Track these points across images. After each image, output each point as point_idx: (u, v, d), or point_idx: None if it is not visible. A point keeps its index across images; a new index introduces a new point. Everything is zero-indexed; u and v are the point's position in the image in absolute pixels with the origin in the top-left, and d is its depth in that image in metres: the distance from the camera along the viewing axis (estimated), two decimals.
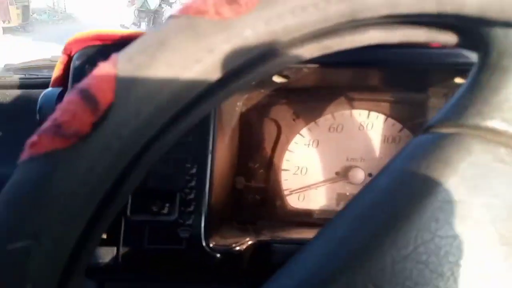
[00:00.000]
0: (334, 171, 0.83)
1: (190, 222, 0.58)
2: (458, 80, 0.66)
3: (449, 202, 0.26)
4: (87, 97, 0.24)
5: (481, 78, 0.28)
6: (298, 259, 0.28)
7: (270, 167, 0.83)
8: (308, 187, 0.83)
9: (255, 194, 0.83)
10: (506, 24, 0.27)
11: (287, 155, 0.83)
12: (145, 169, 0.29)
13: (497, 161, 0.26)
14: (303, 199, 0.84)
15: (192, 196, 0.58)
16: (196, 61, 0.25)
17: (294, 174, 0.84)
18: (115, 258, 0.57)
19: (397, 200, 0.27)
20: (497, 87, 0.27)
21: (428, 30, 0.30)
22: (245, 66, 0.27)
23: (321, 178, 0.83)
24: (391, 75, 0.69)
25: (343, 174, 0.83)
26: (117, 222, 0.58)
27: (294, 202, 0.84)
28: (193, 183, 0.58)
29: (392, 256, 0.25)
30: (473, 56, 0.61)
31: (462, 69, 0.62)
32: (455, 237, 0.25)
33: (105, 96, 0.24)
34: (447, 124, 0.29)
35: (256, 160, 0.83)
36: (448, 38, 0.31)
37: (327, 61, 0.62)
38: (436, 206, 0.26)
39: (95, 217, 0.25)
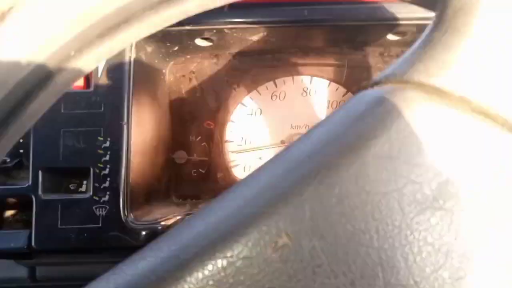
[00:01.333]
0: (279, 139, 0.80)
1: (106, 199, 0.54)
2: (391, 36, 0.63)
3: (381, 158, 0.24)
4: None
5: (434, 36, 0.27)
6: (215, 203, 0.26)
7: (212, 139, 0.80)
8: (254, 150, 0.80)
9: (198, 167, 0.80)
10: None
11: (230, 126, 0.80)
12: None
13: (438, 122, 0.25)
14: (249, 169, 0.81)
15: (106, 171, 0.54)
16: None
17: (238, 145, 0.81)
18: (28, 241, 0.54)
19: (325, 151, 0.25)
20: (448, 45, 0.26)
21: None
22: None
23: (267, 147, 0.80)
24: (321, 34, 0.65)
25: (289, 142, 0.80)
26: (28, 202, 0.55)
27: (240, 173, 0.81)
28: (107, 157, 0.54)
29: (312, 206, 0.23)
30: (402, 11, 0.58)
31: (393, 24, 0.58)
32: (384, 194, 0.23)
33: None
34: (392, 80, 0.27)
35: (196, 132, 0.79)
36: None
37: (249, 21, 0.58)
38: (366, 160, 0.24)
39: None
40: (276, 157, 0.27)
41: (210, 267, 0.23)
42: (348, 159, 0.24)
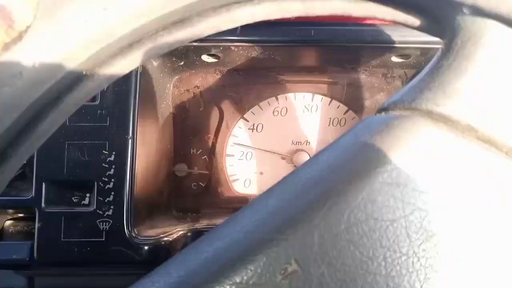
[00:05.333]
0: (280, 156, 0.80)
1: (109, 213, 0.54)
2: (394, 58, 0.64)
3: (389, 185, 0.24)
4: (2, 14, 0.22)
5: (443, 63, 0.27)
6: (222, 227, 0.26)
7: (213, 153, 0.80)
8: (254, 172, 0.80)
9: (198, 181, 0.80)
10: (475, 11, 0.25)
11: (231, 140, 0.80)
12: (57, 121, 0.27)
13: (445, 150, 0.25)
14: (249, 184, 0.82)
15: (110, 185, 0.54)
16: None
17: (239, 159, 0.81)
18: (30, 253, 0.54)
19: (334, 177, 0.25)
20: (456, 74, 0.26)
21: (394, 9, 0.29)
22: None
23: (267, 163, 0.80)
24: (326, 54, 0.66)
25: (289, 158, 0.80)
26: (31, 214, 0.54)
27: (240, 188, 0.81)
28: (111, 171, 0.54)
29: (321, 233, 0.23)
30: (407, 34, 0.59)
31: (397, 47, 0.59)
32: (392, 221, 0.23)
33: (22, 16, 0.22)
34: (400, 106, 0.27)
35: (198, 146, 0.79)
36: (414, 20, 0.29)
37: (256, 40, 0.59)
38: (374, 187, 0.24)
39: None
40: (284, 181, 0.27)
41: None
42: (357, 186, 0.24)
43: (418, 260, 0.23)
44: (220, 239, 0.25)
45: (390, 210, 0.24)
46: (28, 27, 0.23)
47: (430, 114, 0.26)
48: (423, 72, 0.28)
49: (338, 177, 0.25)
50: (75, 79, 0.27)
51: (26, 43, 0.23)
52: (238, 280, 0.23)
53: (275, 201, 0.26)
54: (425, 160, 0.25)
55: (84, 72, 0.27)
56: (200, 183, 0.80)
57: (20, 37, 0.22)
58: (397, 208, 0.24)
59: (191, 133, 0.78)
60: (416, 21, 0.30)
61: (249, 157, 0.81)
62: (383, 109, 0.28)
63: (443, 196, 0.24)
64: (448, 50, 0.27)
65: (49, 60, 0.24)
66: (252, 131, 0.80)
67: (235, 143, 0.79)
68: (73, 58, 0.26)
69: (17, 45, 0.22)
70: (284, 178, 0.28)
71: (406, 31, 0.59)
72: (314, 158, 0.28)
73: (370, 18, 0.58)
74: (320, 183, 0.25)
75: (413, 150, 0.25)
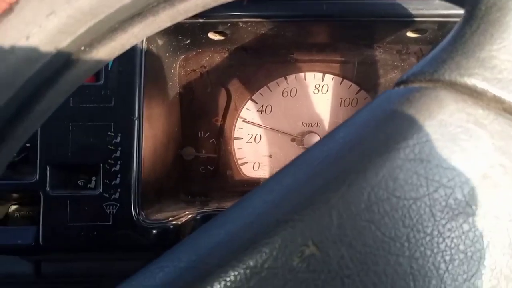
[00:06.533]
0: (289, 138, 0.79)
1: (116, 196, 0.53)
2: (410, 34, 0.61)
3: (412, 161, 0.23)
4: None
5: (465, 31, 0.25)
6: (234, 209, 0.25)
7: (221, 136, 0.78)
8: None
9: (206, 164, 0.78)
10: None
11: (239, 123, 0.78)
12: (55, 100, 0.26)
13: (471, 123, 0.23)
14: (258, 167, 0.80)
15: (117, 167, 0.53)
16: None
17: (247, 142, 0.79)
18: (35, 238, 0.52)
19: (352, 154, 0.24)
20: (481, 42, 0.24)
21: None
22: None
23: (276, 145, 0.79)
24: (339, 30, 0.64)
25: (299, 140, 0.78)
26: (36, 198, 0.53)
27: (249, 171, 0.80)
28: (117, 153, 0.53)
29: (340, 213, 0.22)
30: (423, 7, 0.57)
31: (413, 21, 0.57)
32: (415, 200, 0.22)
33: None
34: (421, 78, 0.26)
35: (205, 129, 0.78)
36: None
37: (265, 15, 0.56)
38: (395, 164, 0.23)
39: None
40: (298, 159, 0.26)
41: (232, 278, 0.22)
42: (377, 163, 0.23)
43: (444, 240, 0.22)
44: (232, 221, 0.24)
45: (413, 187, 0.23)
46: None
47: (453, 85, 0.24)
48: (445, 41, 0.26)
49: (356, 154, 0.24)
50: (72, 55, 0.25)
51: (17, 16, 0.22)
52: (252, 263, 0.22)
53: (290, 181, 0.25)
54: (449, 134, 0.23)
55: (82, 48, 0.25)
56: (208, 166, 0.79)
57: (10, 9, 0.21)
58: (420, 185, 0.23)
59: (198, 115, 0.76)
60: None
61: (258, 140, 0.79)
62: (402, 81, 0.26)
63: (469, 172, 0.23)
64: (471, 17, 0.25)
65: (42, 34, 0.23)
66: (261, 113, 0.78)
67: (244, 121, 0.77)
68: (69, 32, 0.24)
69: (8, 17, 0.21)
70: (299, 157, 0.26)
71: (422, 4, 0.57)
72: (330, 135, 0.27)
73: None
74: (337, 161, 0.24)
75: (436, 124, 0.23)
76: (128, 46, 0.28)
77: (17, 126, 0.25)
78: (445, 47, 0.26)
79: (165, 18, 0.28)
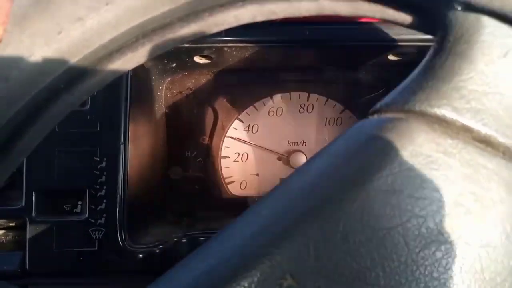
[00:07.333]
0: (276, 156, 0.79)
1: (102, 221, 0.53)
2: (391, 57, 0.62)
3: (385, 192, 0.23)
4: None
5: (435, 63, 0.26)
6: (213, 242, 0.26)
7: (208, 155, 0.79)
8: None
9: (193, 184, 0.79)
10: (467, 7, 0.25)
11: (226, 142, 0.79)
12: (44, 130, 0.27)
13: (440, 152, 0.24)
14: (245, 186, 0.81)
15: (103, 192, 0.53)
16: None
17: (234, 161, 0.80)
18: (22, 264, 0.52)
19: (327, 185, 0.24)
20: (449, 73, 0.25)
21: (384, 7, 0.29)
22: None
23: (263, 164, 0.79)
24: (322, 54, 0.65)
25: (285, 159, 0.79)
26: (22, 223, 0.53)
27: (236, 190, 0.80)
28: (103, 178, 0.53)
29: (316, 245, 0.23)
30: (403, 32, 0.58)
31: (393, 46, 0.58)
32: (389, 229, 0.23)
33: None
34: (393, 108, 0.26)
35: (192, 148, 0.78)
36: (405, 18, 0.29)
37: (250, 40, 0.57)
38: (369, 195, 0.23)
39: None
40: (275, 191, 0.27)
41: None
42: (351, 194, 0.23)
43: (418, 268, 0.23)
44: (211, 256, 0.24)
45: (387, 218, 0.23)
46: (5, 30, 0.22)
47: (424, 116, 0.25)
48: (415, 71, 0.27)
49: (331, 185, 0.24)
50: (52, 92, 0.26)
51: (6, 44, 0.22)
52: None
53: (267, 213, 0.25)
54: (420, 164, 0.24)
55: (62, 85, 0.26)
56: (196, 186, 0.79)
57: None
58: (393, 215, 0.23)
59: (185, 136, 0.77)
60: (406, 18, 0.29)
61: (245, 159, 0.80)
62: (375, 111, 0.27)
63: (440, 201, 0.23)
64: (440, 48, 0.26)
65: (23, 75, 0.23)
66: (248, 132, 0.79)
67: (231, 137, 0.77)
68: (48, 72, 0.25)
69: None
70: (276, 188, 0.27)
71: (402, 29, 0.58)
72: (305, 166, 0.27)
73: (364, 18, 0.57)
74: (313, 193, 0.25)
75: (407, 155, 0.24)
76: (107, 82, 0.29)
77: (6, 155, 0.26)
78: (415, 79, 0.26)
79: (143, 54, 0.29)
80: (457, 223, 0.23)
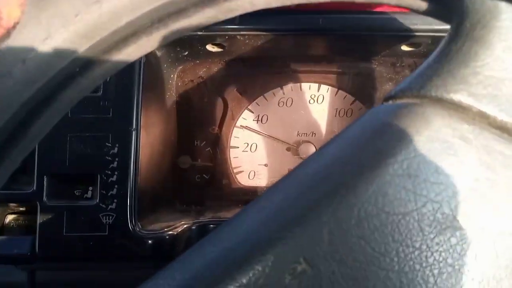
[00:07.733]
0: (285, 147, 0.79)
1: (113, 206, 0.53)
2: (404, 47, 0.62)
3: (400, 177, 0.23)
4: None
5: (451, 48, 0.26)
6: (226, 226, 0.25)
7: (217, 145, 0.79)
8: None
9: (202, 173, 0.79)
10: None
11: (235, 132, 0.79)
12: (59, 113, 0.26)
13: (457, 137, 0.24)
14: (254, 176, 0.80)
15: (114, 178, 0.53)
16: None
17: (243, 151, 0.80)
18: (32, 248, 0.52)
19: (342, 170, 0.24)
20: (466, 59, 0.25)
21: None
22: None
23: (272, 155, 0.79)
24: (335, 43, 0.64)
25: (294, 149, 0.79)
26: (33, 208, 0.53)
27: (244, 180, 0.80)
28: (114, 164, 0.53)
29: (331, 229, 0.22)
30: (417, 22, 0.58)
31: (407, 35, 0.58)
32: (404, 215, 0.23)
33: (10, 13, 0.21)
34: (408, 94, 0.26)
35: (201, 137, 0.78)
36: (420, 4, 0.28)
37: (263, 28, 0.57)
38: (384, 179, 0.23)
39: None
40: (289, 176, 0.26)
41: None
42: (367, 179, 0.23)
43: (432, 254, 0.23)
44: (225, 239, 0.24)
45: (402, 203, 0.23)
46: (16, 23, 0.22)
47: (439, 101, 0.25)
48: (431, 57, 0.27)
49: (346, 170, 0.24)
50: (68, 76, 0.26)
51: (15, 40, 0.22)
52: (245, 281, 0.22)
53: (281, 198, 0.25)
54: (436, 149, 0.24)
55: (77, 69, 0.26)
56: (204, 175, 0.79)
57: (8, 34, 0.21)
58: (408, 200, 0.23)
59: (195, 125, 0.77)
60: (422, 5, 0.29)
61: (254, 149, 0.80)
62: (390, 97, 0.27)
63: (455, 186, 0.23)
64: (456, 34, 0.26)
65: (39, 58, 0.23)
66: (257, 122, 0.79)
67: (242, 126, 0.77)
68: (64, 55, 0.24)
69: (5, 43, 0.22)
70: (290, 173, 0.27)
71: (417, 19, 0.58)
72: (320, 152, 0.27)
73: (379, 6, 0.56)
74: (327, 178, 0.24)
75: (423, 140, 0.24)
76: (120, 67, 0.29)
77: (13, 147, 0.25)
78: (431, 64, 0.26)
79: (158, 39, 0.28)
80: (472, 209, 0.23)
